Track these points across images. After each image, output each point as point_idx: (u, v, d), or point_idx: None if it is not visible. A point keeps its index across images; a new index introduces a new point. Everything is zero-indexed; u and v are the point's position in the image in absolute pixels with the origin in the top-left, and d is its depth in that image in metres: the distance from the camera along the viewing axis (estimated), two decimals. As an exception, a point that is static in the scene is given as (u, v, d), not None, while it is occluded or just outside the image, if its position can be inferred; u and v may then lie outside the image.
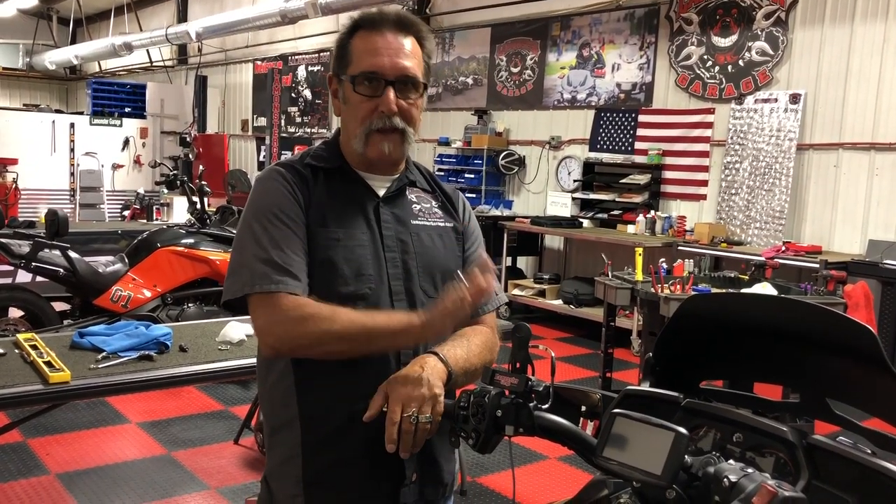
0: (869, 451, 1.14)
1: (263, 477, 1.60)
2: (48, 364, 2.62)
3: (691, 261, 5.01)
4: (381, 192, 1.60)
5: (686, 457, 1.09)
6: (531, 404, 1.32)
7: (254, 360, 3.01)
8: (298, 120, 12.62)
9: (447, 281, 1.60)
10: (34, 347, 2.81)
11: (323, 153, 1.62)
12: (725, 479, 1.01)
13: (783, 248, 6.27)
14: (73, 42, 16.96)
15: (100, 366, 2.72)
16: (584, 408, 1.46)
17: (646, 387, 1.42)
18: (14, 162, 11.37)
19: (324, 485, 1.50)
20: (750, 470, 1.03)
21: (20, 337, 2.95)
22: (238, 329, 3.21)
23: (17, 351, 2.82)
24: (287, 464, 1.52)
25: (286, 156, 12.80)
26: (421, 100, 1.56)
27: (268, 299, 1.44)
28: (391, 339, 1.44)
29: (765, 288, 4.36)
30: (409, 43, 1.54)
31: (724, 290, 4.37)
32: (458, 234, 1.66)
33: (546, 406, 1.34)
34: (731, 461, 1.08)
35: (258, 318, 1.46)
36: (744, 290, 4.35)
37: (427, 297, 1.57)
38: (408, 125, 1.54)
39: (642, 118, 7.95)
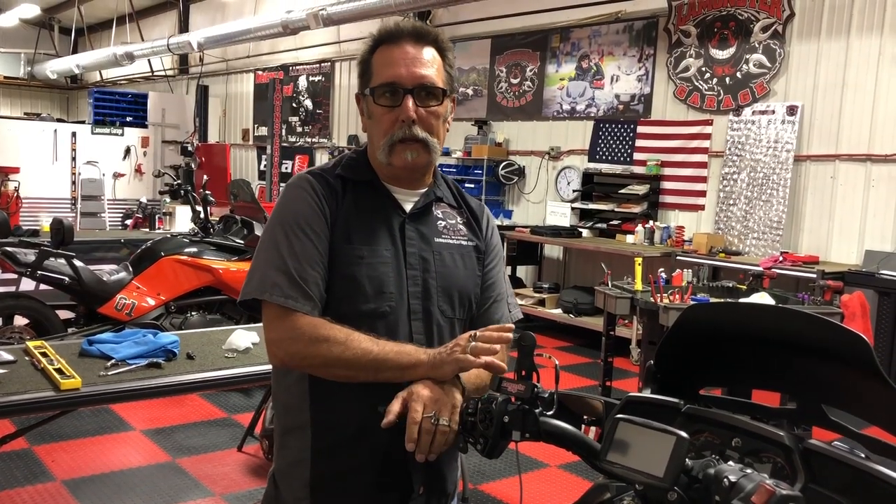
0: (863, 456, 1.18)
1: (271, 474, 1.63)
2: (59, 371, 2.66)
3: (690, 271, 5.06)
4: (408, 207, 1.61)
5: (687, 460, 1.13)
6: (537, 410, 1.36)
7: (260, 368, 3.09)
8: (299, 129, 12.68)
9: (465, 302, 1.63)
10: (44, 355, 2.85)
11: (354, 164, 1.63)
12: (725, 480, 1.05)
13: (780, 259, 6.32)
14: (75, 51, 17.02)
15: (109, 373, 2.77)
16: (585, 417, 1.50)
17: (647, 394, 1.46)
18: (16, 170, 11.39)
19: (331, 491, 1.53)
20: (749, 471, 1.07)
21: (30, 344, 2.99)
22: (244, 337, 3.25)
23: (27, 358, 2.87)
24: (296, 466, 1.55)
25: (287, 165, 12.66)
26: (441, 108, 1.56)
27: (284, 314, 1.47)
28: (398, 372, 1.44)
29: (762, 298, 4.40)
30: (427, 52, 1.55)
31: (722, 300, 4.41)
32: (479, 252, 1.67)
33: (551, 412, 1.38)
34: (730, 463, 1.12)
35: (272, 330, 1.49)
36: (742, 300, 4.40)
37: (444, 318, 1.59)
38: (429, 134, 1.55)
39: (641, 129, 8.02)
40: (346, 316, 1.49)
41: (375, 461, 1.49)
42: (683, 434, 1.13)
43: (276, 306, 1.47)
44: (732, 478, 1.05)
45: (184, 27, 14.79)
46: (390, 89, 1.53)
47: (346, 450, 1.52)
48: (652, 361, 1.47)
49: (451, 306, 1.60)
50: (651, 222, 7.60)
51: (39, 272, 5.02)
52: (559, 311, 7.83)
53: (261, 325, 1.55)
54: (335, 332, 1.45)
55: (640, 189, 7.86)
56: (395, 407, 1.40)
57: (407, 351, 1.46)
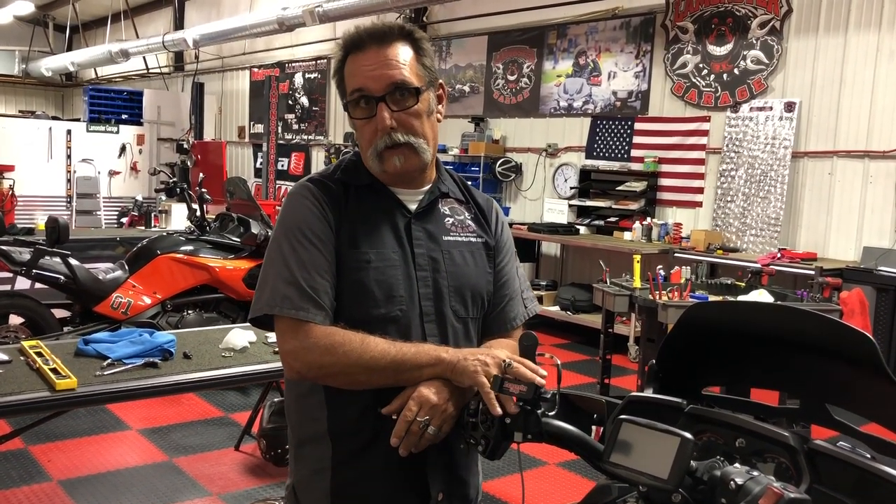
0: (868, 456, 1.17)
1: (291, 486, 1.61)
2: (54, 371, 2.64)
3: (688, 268, 5.04)
4: (413, 207, 1.58)
5: (691, 461, 1.12)
6: (539, 411, 1.35)
7: (257, 367, 3.07)
8: (295, 127, 12.65)
9: (478, 300, 1.60)
10: (39, 355, 2.83)
11: (353, 168, 1.60)
12: (732, 482, 1.04)
13: (779, 255, 6.32)
14: (70, 49, 16.97)
15: (105, 373, 2.74)
16: (595, 415, 1.48)
17: (649, 393, 1.45)
18: (11, 168, 11.34)
19: (351, 498, 1.52)
20: (755, 473, 1.06)
21: (25, 344, 2.97)
22: (241, 336, 3.23)
23: (22, 358, 2.84)
24: (316, 476, 1.53)
25: (283, 163, 12.64)
26: (420, 105, 1.51)
27: (297, 325, 1.45)
28: (418, 371, 1.43)
29: (761, 295, 4.39)
30: (395, 51, 1.51)
31: (723, 299, 4.40)
32: (489, 248, 1.64)
33: (553, 413, 1.37)
34: (736, 465, 1.11)
35: (286, 342, 1.47)
36: (741, 298, 4.39)
37: (457, 318, 1.56)
38: (412, 136, 1.51)
39: (638, 126, 8.00)
40: (357, 322, 1.47)
41: (394, 466, 1.46)
42: (688, 435, 1.11)
43: (288, 319, 1.45)
44: (739, 480, 1.04)
45: (179, 24, 14.74)
46: (364, 99, 1.51)
47: (364, 456, 1.50)
48: (654, 360, 1.46)
49: (464, 306, 1.57)
50: (648, 219, 7.59)
51: (35, 271, 4.99)
52: (557, 308, 7.82)
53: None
54: (350, 337, 1.43)
55: (638, 186, 7.85)
56: (395, 404, 1.43)
57: (425, 350, 1.44)
